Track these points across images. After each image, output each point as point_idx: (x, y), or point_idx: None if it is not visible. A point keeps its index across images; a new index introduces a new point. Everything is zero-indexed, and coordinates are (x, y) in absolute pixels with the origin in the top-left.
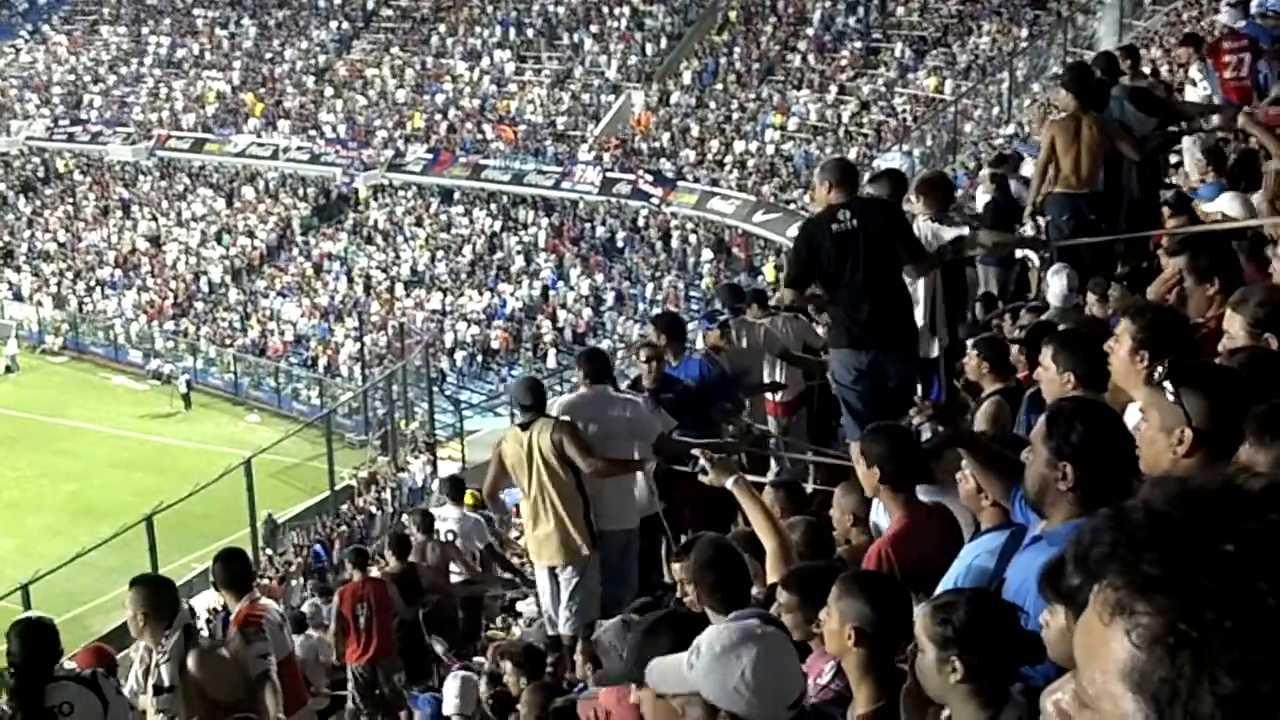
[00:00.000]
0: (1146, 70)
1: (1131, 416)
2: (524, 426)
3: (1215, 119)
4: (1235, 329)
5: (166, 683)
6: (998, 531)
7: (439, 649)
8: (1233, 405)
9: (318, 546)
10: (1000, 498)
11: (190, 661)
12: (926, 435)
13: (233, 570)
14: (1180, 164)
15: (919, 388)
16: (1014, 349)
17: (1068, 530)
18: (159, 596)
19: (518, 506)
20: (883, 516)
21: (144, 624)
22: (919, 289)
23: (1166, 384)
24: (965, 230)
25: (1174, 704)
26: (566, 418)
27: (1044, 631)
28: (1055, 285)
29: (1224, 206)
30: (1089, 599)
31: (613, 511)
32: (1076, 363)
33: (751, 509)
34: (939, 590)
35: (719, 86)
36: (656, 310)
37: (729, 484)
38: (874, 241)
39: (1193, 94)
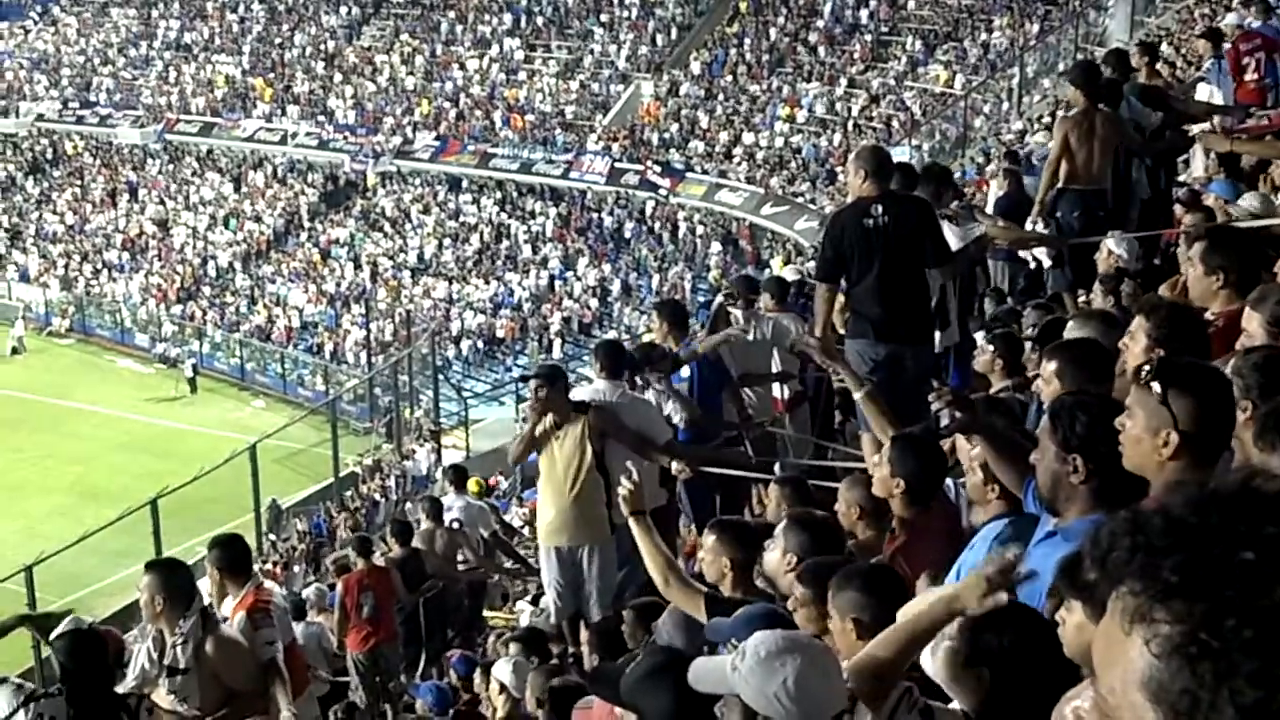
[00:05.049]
0: (1163, 69)
1: None
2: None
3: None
4: (1254, 327)
5: (182, 664)
6: (995, 521)
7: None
8: (1220, 409)
9: (319, 521)
10: (1014, 487)
11: (209, 646)
12: (945, 421)
13: (236, 555)
14: (1189, 161)
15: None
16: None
17: (1083, 525)
18: (176, 580)
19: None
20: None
21: (161, 608)
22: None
23: (1154, 384)
24: (983, 229)
25: (1194, 714)
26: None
27: (1060, 628)
28: (1128, 252)
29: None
30: (1107, 600)
31: None
32: (1081, 379)
33: (644, 541)
34: (945, 584)
35: (728, 78)
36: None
37: (630, 520)
38: (904, 240)
39: (1203, 92)
